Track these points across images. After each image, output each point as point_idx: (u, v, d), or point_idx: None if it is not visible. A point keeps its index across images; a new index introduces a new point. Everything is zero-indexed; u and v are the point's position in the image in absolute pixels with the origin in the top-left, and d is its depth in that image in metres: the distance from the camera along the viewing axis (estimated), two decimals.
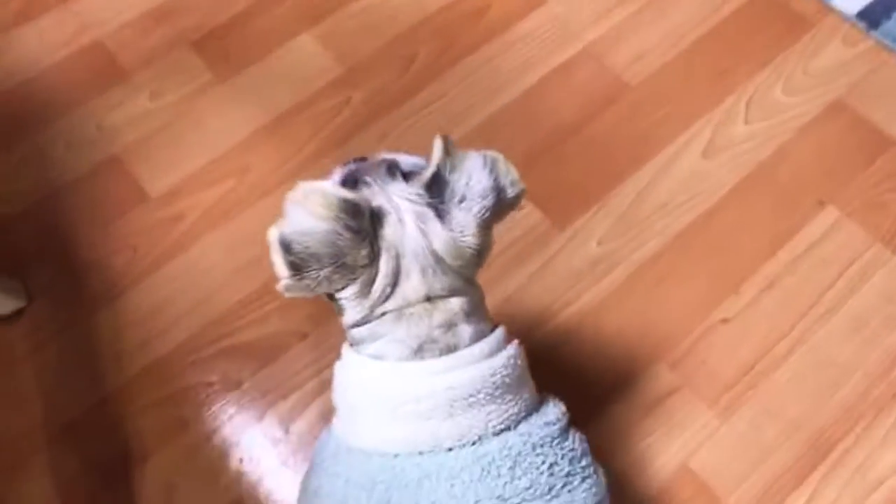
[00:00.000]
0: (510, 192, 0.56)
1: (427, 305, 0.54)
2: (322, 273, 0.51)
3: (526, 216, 0.99)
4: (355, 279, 0.53)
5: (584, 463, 0.56)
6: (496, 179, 0.55)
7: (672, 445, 0.86)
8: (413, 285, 0.53)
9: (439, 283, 0.54)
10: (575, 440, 0.56)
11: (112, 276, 0.97)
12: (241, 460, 0.87)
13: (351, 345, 0.57)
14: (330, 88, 1.09)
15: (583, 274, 0.96)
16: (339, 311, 0.56)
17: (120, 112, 1.08)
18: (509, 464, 0.52)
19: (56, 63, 1.13)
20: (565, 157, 1.04)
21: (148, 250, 0.99)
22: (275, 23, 1.15)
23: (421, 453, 0.53)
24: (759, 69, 1.09)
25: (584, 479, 0.55)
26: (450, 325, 0.54)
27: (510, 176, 0.56)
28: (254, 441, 0.88)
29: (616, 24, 1.13)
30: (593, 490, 0.55)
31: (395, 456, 0.53)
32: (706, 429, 0.87)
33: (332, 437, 0.58)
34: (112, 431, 0.88)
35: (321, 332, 0.93)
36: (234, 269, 0.97)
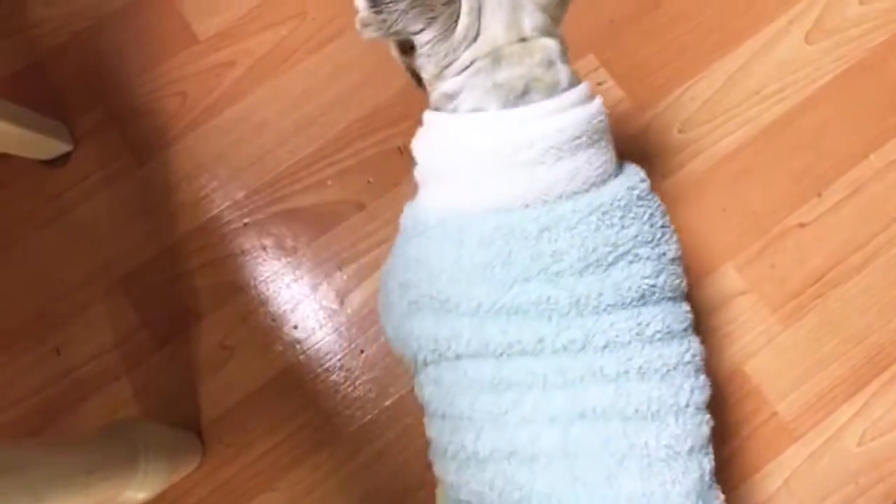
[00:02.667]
0: None
1: (523, 44, 0.52)
2: (400, 6, 0.50)
3: (605, 92, 0.92)
4: (435, 18, 0.51)
5: (669, 219, 0.57)
6: None
7: (731, 348, 0.85)
8: (501, 26, 0.52)
9: (531, 22, 0.52)
10: (658, 199, 0.57)
11: (161, 123, 0.92)
12: (294, 327, 0.87)
13: (437, 109, 0.55)
14: None
15: (661, 160, 0.90)
16: (420, 71, 0.55)
17: None
18: (619, 213, 0.53)
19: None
20: (654, 28, 0.94)
21: (198, 99, 0.93)
22: None
23: (536, 207, 0.52)
24: None
25: (673, 232, 0.57)
26: (550, 63, 0.53)
27: None
28: (308, 310, 0.87)
29: None
30: (678, 244, 0.57)
31: (509, 212, 0.52)
32: (766, 334, 0.86)
33: (428, 208, 0.55)
34: (167, 288, 0.87)
35: (379, 204, 0.89)
36: (290, 127, 0.92)
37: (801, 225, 0.88)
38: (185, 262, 0.88)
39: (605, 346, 0.51)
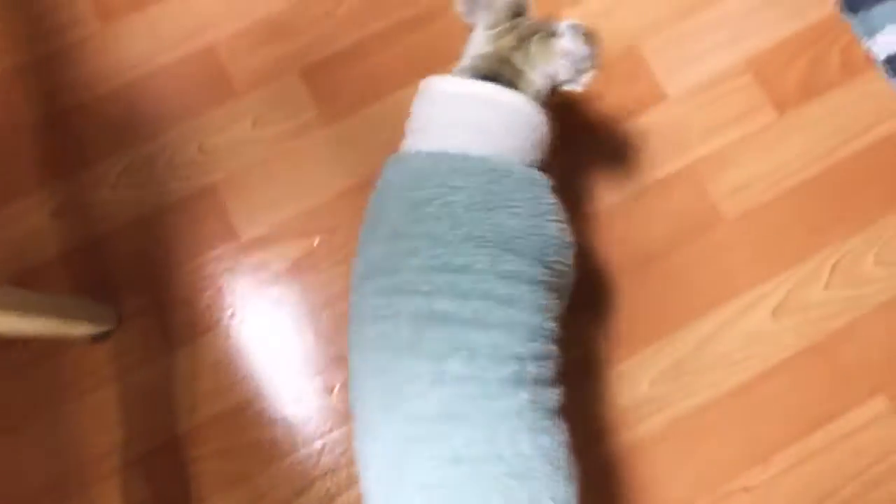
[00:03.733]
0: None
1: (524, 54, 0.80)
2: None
3: (591, 336, 1.03)
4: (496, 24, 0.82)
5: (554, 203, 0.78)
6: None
7: None
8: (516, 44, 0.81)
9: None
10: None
11: (195, 314, 1.04)
12: None
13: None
14: None
15: (629, 411, 1.01)
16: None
17: (223, 136, 1.10)
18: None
19: (167, 65, 1.13)
20: (645, 282, 1.06)
21: (231, 296, 1.05)
22: (391, 63, 1.13)
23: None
24: (856, 231, 1.07)
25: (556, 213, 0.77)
26: (523, 74, 0.80)
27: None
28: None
29: (726, 145, 1.10)
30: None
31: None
32: None
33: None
34: (184, 469, 0.99)
35: None
36: (313, 341, 1.03)
37: (746, 489, 0.99)
38: (197, 448, 0.99)
39: (462, 268, 0.68)
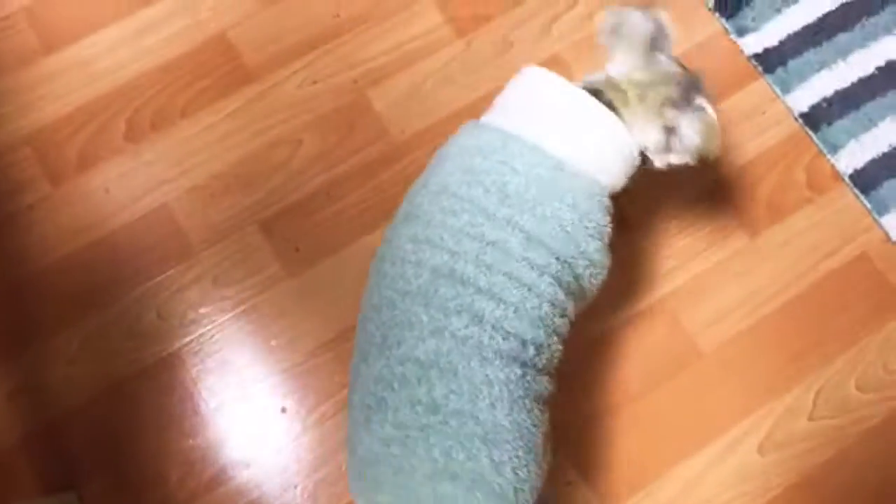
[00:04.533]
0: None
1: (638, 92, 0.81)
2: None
3: (571, 492, 1.00)
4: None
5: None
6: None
7: None
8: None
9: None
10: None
11: (167, 491, 1.00)
12: None
13: None
14: None
15: None
16: None
17: (182, 298, 1.07)
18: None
19: (120, 226, 1.09)
20: (623, 426, 1.03)
21: (204, 469, 1.01)
22: (357, 206, 1.10)
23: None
24: (836, 355, 1.05)
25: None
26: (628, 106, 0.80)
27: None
28: None
29: (699, 274, 1.08)
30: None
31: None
32: None
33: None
34: None
35: None
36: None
37: None
38: None
39: (492, 242, 0.72)
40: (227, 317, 1.06)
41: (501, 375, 0.69)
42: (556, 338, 0.75)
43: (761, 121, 1.14)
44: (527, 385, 0.71)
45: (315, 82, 1.15)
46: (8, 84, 1.15)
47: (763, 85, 1.15)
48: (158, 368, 1.04)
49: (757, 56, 1.15)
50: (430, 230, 0.73)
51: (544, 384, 0.74)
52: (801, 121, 1.13)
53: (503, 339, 0.70)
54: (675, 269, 1.08)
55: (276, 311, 1.07)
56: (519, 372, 0.70)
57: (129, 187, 1.11)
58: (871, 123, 1.12)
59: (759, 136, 1.13)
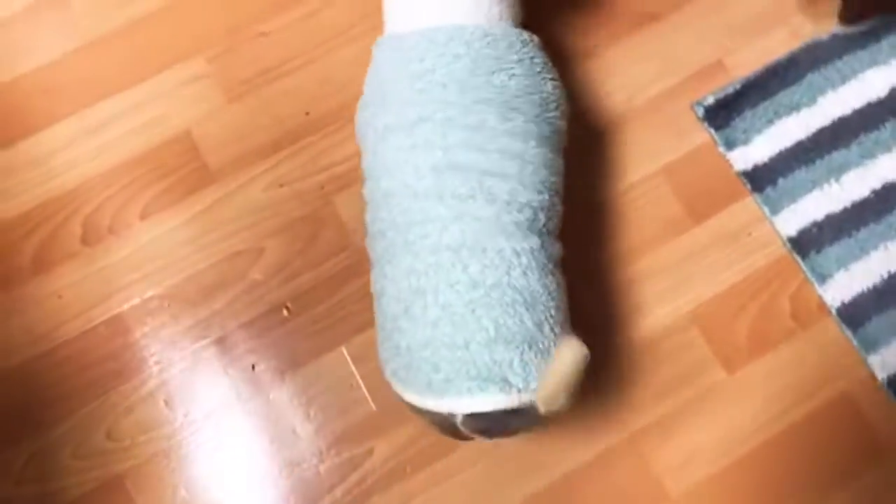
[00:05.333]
0: None
1: None
2: None
3: None
4: None
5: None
6: None
7: None
8: None
9: None
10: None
11: None
12: None
13: None
14: (356, 430, 1.03)
15: None
16: None
17: (133, 417, 1.03)
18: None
19: (74, 336, 1.06)
20: None
21: None
22: (323, 320, 1.06)
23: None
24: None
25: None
26: None
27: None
28: None
29: (670, 411, 1.03)
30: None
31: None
32: None
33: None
34: None
35: None
36: None
37: None
38: None
39: (477, 126, 0.76)
40: (178, 438, 1.02)
41: (526, 246, 0.74)
42: (557, 198, 0.81)
43: (747, 242, 1.08)
44: (546, 251, 0.77)
45: (281, 185, 1.10)
46: None
47: (751, 203, 1.09)
48: (105, 491, 1.01)
49: (745, 173, 1.09)
50: (413, 138, 0.76)
51: (558, 248, 0.81)
52: (788, 245, 1.07)
53: (518, 211, 0.75)
54: (644, 407, 1.03)
55: (229, 433, 1.03)
56: (538, 241, 0.76)
57: (83, 295, 1.07)
58: (863, 252, 1.06)
59: (744, 260, 1.08)
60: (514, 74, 0.78)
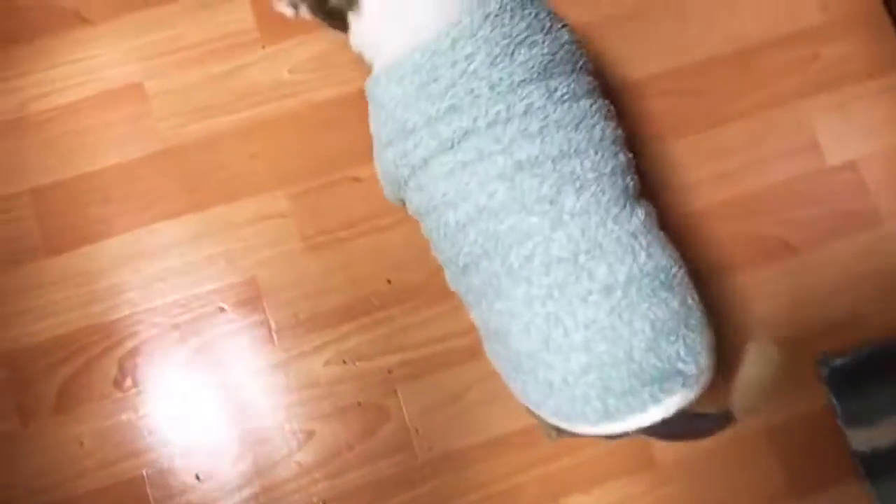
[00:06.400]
0: None
1: None
2: None
3: None
4: None
5: (556, 15, 0.74)
6: None
7: None
8: None
9: None
10: (543, 4, 0.74)
11: None
12: None
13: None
14: None
15: None
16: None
17: None
18: (508, 14, 0.70)
19: (89, 492, 0.95)
20: None
21: None
22: None
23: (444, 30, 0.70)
24: None
25: (563, 24, 0.74)
26: None
27: None
28: None
29: None
30: (569, 32, 0.74)
31: (426, 42, 0.70)
32: None
33: (376, 71, 0.74)
34: None
35: None
36: None
37: None
38: None
39: (525, 112, 0.68)
40: None
41: (636, 221, 0.69)
42: (627, 149, 0.74)
43: None
44: (651, 215, 0.72)
45: (345, 362, 0.99)
46: None
47: (861, 491, 0.97)
48: None
49: (863, 456, 0.97)
50: (461, 154, 0.69)
51: (650, 205, 0.74)
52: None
53: (611, 186, 0.69)
54: None
55: None
56: (640, 207, 0.71)
57: (106, 445, 0.96)
58: None
59: None
60: (533, 42, 0.70)
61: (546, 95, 0.69)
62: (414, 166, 0.72)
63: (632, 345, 0.64)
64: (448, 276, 0.76)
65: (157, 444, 0.96)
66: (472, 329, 0.98)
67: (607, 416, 0.65)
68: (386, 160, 0.75)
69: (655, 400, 0.64)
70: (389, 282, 1.00)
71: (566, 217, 0.66)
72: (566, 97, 0.70)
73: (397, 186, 0.77)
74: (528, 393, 0.70)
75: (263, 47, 1.05)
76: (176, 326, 0.99)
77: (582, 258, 0.66)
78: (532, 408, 0.71)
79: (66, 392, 0.97)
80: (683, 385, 0.65)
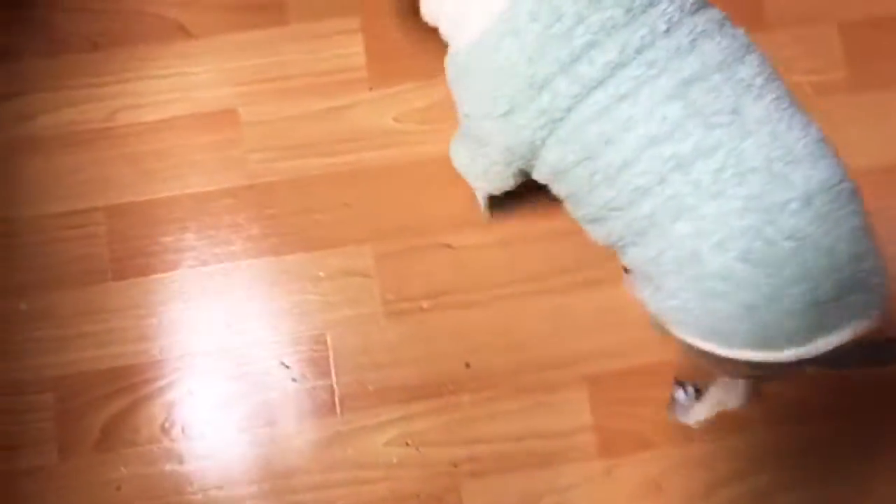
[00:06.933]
0: None
1: None
2: None
3: None
4: None
5: None
6: None
7: None
8: None
9: None
10: None
11: None
12: None
13: None
14: None
15: None
16: None
17: None
18: None
19: None
20: None
21: None
22: None
23: None
24: None
25: None
26: None
27: None
28: None
29: None
30: None
31: None
32: None
33: (472, 36, 0.68)
34: None
35: None
36: None
37: None
38: None
39: (667, 29, 0.63)
40: None
41: (815, 122, 0.65)
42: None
43: None
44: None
45: (408, 444, 0.91)
46: (55, 301, 0.93)
47: None
48: None
49: None
50: (617, 86, 0.63)
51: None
52: None
53: (783, 83, 0.66)
54: None
55: None
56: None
57: (144, 495, 0.89)
58: None
59: None
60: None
61: (678, 7, 0.65)
62: (555, 120, 0.66)
63: (836, 254, 0.61)
64: (594, 230, 0.71)
65: (198, 502, 0.89)
66: (553, 434, 0.91)
67: (820, 327, 0.62)
68: (510, 131, 0.69)
69: (858, 314, 0.62)
70: (468, 365, 0.92)
71: (752, 125, 0.63)
72: (695, 5, 0.66)
73: (525, 158, 0.71)
74: (717, 322, 0.65)
75: (371, 89, 0.97)
76: (233, 377, 0.92)
77: (777, 166, 0.62)
78: (719, 342, 0.66)
79: (111, 430, 0.91)
80: (879, 299, 0.63)
